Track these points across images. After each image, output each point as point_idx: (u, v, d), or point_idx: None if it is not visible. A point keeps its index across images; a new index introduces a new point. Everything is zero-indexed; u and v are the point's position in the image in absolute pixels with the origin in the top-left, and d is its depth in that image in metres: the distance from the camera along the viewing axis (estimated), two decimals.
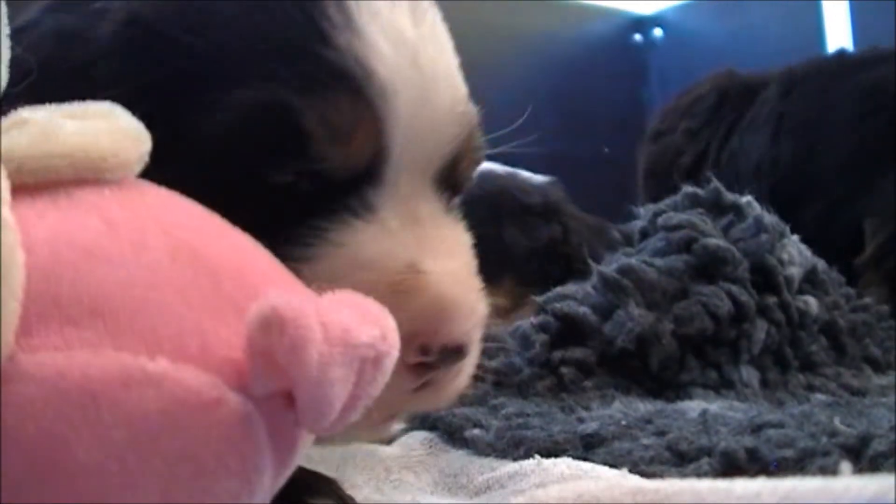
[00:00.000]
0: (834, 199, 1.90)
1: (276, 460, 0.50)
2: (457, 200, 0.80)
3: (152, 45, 0.69)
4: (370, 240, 0.70)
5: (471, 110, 0.79)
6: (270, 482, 0.51)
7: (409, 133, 0.71)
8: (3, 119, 0.54)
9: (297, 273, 0.60)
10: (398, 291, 0.68)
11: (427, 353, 0.69)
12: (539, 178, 2.05)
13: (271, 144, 0.67)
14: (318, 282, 0.61)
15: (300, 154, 0.68)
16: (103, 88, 0.62)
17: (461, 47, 0.82)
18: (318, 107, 0.67)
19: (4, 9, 0.54)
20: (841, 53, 2.27)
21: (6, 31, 0.55)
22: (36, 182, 0.52)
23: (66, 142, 0.53)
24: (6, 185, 0.49)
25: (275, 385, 0.48)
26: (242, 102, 0.66)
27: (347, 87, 0.68)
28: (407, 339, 0.65)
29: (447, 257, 0.73)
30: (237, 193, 0.63)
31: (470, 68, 0.83)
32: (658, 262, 1.30)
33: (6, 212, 0.48)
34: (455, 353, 0.71)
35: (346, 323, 0.48)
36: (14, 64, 0.56)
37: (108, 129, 0.55)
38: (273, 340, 0.46)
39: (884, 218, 1.93)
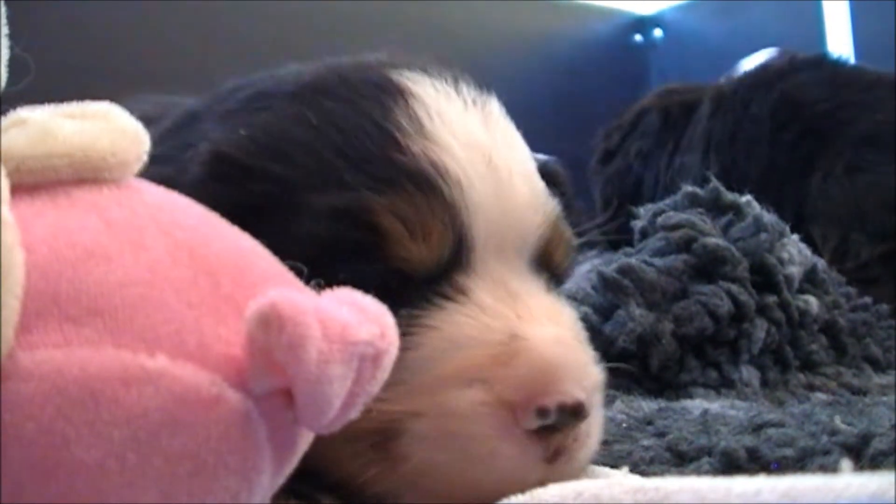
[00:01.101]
0: None
1: (275, 459, 0.50)
2: (558, 286, 0.82)
3: (236, 175, 0.74)
4: (466, 319, 0.72)
5: (551, 203, 0.82)
6: (269, 481, 0.51)
7: (490, 222, 0.75)
8: (3, 118, 0.54)
9: (401, 359, 0.64)
10: (501, 363, 0.69)
11: (546, 416, 0.68)
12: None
13: (353, 246, 0.71)
14: (422, 367, 0.70)
15: (381, 254, 0.71)
16: None
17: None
18: (392, 205, 0.71)
19: (3, 8, 0.54)
20: (763, 67, 2.29)
21: (5, 30, 0.55)
22: (35, 181, 0.52)
23: (65, 141, 0.53)
24: (6, 183, 0.49)
25: (274, 383, 0.48)
26: (323, 209, 0.71)
27: (419, 184, 0.72)
28: (523, 406, 0.68)
29: (549, 324, 0.74)
30: None
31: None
32: (658, 261, 1.30)
33: (6, 210, 0.48)
34: (574, 411, 0.69)
35: (346, 321, 0.48)
36: (13, 63, 0.56)
37: (107, 129, 0.55)
38: (272, 338, 0.46)
39: (828, 222, 1.95)
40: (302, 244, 0.68)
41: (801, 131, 2.08)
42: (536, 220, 0.79)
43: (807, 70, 2.19)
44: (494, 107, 0.82)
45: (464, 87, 0.81)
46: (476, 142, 0.76)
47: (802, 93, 2.12)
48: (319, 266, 0.66)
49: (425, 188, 0.72)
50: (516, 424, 0.68)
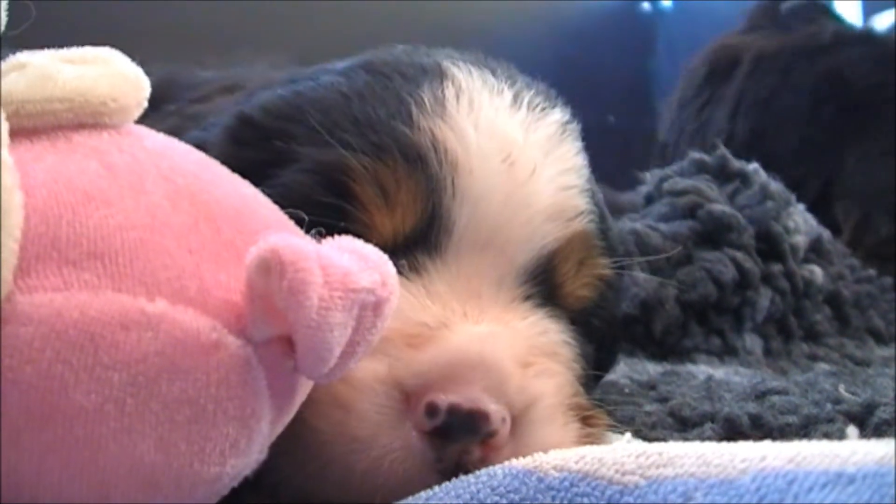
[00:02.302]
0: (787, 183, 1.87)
1: (274, 407, 0.50)
2: (559, 318, 0.75)
3: (255, 137, 0.75)
4: (404, 294, 0.65)
5: (584, 227, 0.77)
6: (269, 429, 0.51)
7: (484, 214, 0.71)
8: (3, 62, 0.53)
9: None
10: (413, 344, 0.64)
11: (434, 416, 0.61)
12: None
13: (323, 203, 0.68)
14: None
15: (347, 216, 0.68)
16: None
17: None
18: (368, 169, 0.69)
19: None
20: (810, 35, 2.26)
21: None
22: (35, 126, 0.51)
23: (65, 86, 0.52)
24: (5, 127, 0.49)
25: (274, 330, 0.48)
26: (306, 162, 0.70)
27: (408, 156, 0.70)
28: (416, 396, 0.61)
29: (494, 326, 0.68)
30: None
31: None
32: (663, 226, 1.29)
33: (5, 153, 0.47)
34: (470, 420, 0.61)
35: (347, 268, 0.48)
36: (13, 7, 0.55)
37: (107, 74, 0.54)
38: (273, 283, 0.46)
39: (853, 199, 1.95)
40: (282, 194, 0.65)
41: (841, 108, 2.06)
42: (547, 230, 0.74)
43: (854, 45, 2.16)
44: (554, 118, 0.78)
45: (525, 93, 0.78)
46: (500, 136, 0.73)
47: (848, 70, 2.09)
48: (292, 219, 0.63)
49: (412, 161, 0.70)
50: (407, 418, 0.62)
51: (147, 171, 0.51)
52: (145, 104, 0.56)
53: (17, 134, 0.50)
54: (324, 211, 0.67)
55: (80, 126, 0.53)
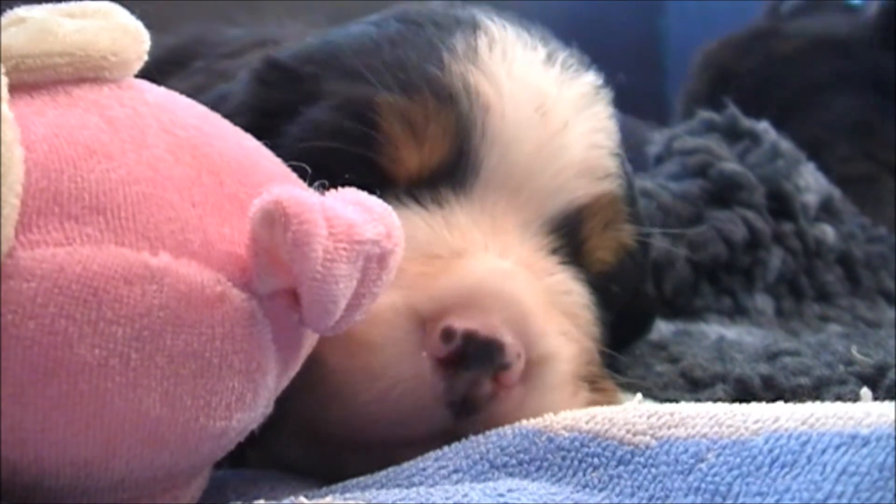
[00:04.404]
0: None
1: (280, 360, 0.50)
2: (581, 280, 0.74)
3: (282, 79, 0.76)
4: (423, 224, 0.67)
5: (613, 188, 0.77)
6: (274, 382, 0.51)
7: (513, 159, 0.71)
8: (2, 17, 0.53)
9: None
10: (428, 274, 0.64)
11: (450, 340, 0.60)
12: None
13: (350, 138, 0.68)
14: None
15: (374, 151, 0.69)
16: (237, 115, 0.65)
17: None
18: (397, 104, 0.69)
19: None
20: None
21: None
22: (35, 80, 0.51)
23: (65, 40, 0.51)
24: (4, 81, 0.48)
25: (279, 282, 0.48)
26: (333, 98, 0.70)
27: (438, 94, 0.70)
28: (431, 321, 0.61)
29: (511, 264, 0.67)
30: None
31: None
32: (673, 185, 1.28)
33: (5, 108, 0.47)
34: (487, 347, 0.60)
35: (352, 219, 0.48)
36: None
37: (107, 27, 0.53)
38: (277, 235, 0.45)
39: None
40: (309, 131, 0.67)
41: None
42: (577, 185, 0.74)
43: (758, 40, 2.18)
44: (587, 79, 0.78)
45: (559, 53, 0.78)
46: (533, 87, 0.73)
47: (735, 65, 2.12)
48: (318, 155, 0.65)
49: (442, 99, 0.70)
50: (422, 345, 0.61)
51: (148, 124, 0.51)
52: (145, 57, 0.55)
53: (16, 89, 0.50)
54: (351, 141, 0.67)
55: (80, 80, 0.52)
